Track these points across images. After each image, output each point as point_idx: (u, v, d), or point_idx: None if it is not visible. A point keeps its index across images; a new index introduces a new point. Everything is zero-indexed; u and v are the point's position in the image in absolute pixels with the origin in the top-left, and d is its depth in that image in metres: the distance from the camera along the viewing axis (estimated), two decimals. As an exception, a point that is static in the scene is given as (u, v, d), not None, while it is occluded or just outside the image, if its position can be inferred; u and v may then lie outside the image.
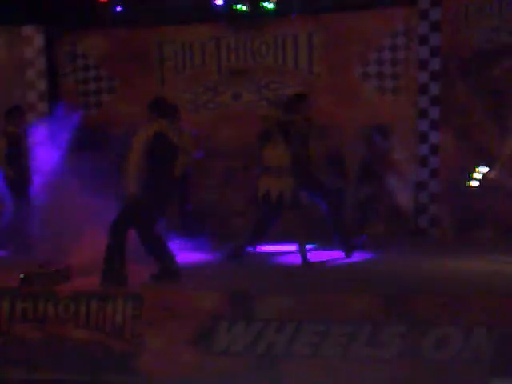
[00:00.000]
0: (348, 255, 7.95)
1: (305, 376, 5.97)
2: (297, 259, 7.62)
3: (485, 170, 8.36)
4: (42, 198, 8.15)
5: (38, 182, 8.58)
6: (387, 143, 9.68)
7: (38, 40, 10.29)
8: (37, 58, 10.28)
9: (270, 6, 10.05)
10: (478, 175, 8.41)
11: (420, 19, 9.50)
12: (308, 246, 7.71)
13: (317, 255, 7.95)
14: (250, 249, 7.96)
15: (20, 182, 8.57)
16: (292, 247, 7.89)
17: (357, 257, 7.98)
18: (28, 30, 10.30)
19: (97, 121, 10.16)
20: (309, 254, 7.60)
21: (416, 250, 8.38)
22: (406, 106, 9.60)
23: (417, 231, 9.51)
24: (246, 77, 10.10)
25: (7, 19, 9.90)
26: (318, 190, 7.94)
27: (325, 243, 8.39)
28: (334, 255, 8.06)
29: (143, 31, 10.31)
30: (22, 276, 6.52)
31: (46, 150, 8.68)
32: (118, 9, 10.19)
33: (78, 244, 7.15)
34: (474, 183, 8.40)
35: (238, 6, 10.03)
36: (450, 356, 5.73)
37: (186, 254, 7.87)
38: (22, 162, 8.66)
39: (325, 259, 7.95)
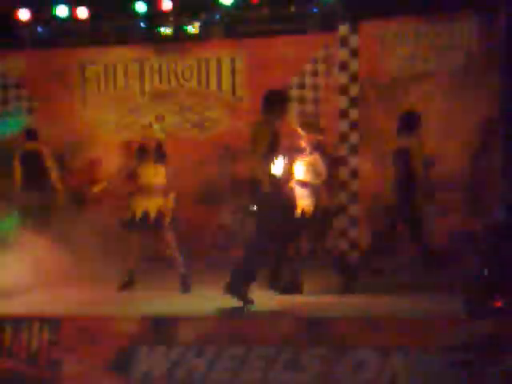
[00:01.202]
0: None
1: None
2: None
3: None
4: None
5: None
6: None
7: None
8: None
9: (193, 29, 10.15)
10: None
11: (340, 46, 9.74)
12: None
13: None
14: None
15: None
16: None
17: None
18: None
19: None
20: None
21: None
22: (327, 131, 9.77)
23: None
24: (169, 99, 10.13)
25: None
26: None
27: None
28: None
29: (65, 52, 10.24)
30: None
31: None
32: (39, 29, 10.07)
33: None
34: None
35: (162, 29, 10.07)
36: (367, 379, 5.76)
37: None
38: None
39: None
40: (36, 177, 8.85)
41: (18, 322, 6.18)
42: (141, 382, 5.99)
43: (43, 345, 6.10)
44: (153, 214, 7.38)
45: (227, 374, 5.89)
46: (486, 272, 5.68)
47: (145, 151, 7.46)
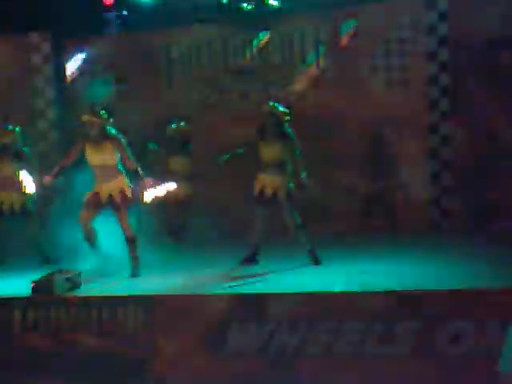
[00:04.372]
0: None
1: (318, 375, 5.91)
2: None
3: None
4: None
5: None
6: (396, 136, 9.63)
7: (45, 47, 10.35)
8: (44, 65, 10.35)
9: (275, 3, 10.03)
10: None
11: (427, 10, 9.40)
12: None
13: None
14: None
15: None
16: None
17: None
18: (35, 37, 10.37)
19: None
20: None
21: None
22: (415, 98, 9.51)
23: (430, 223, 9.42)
24: (254, 75, 10.09)
25: (14, 27, 9.95)
26: None
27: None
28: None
29: (149, 34, 10.32)
30: (33, 285, 6.53)
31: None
32: (124, 13, 10.22)
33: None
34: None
35: (244, 5, 10.00)
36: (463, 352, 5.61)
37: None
38: None
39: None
40: None
41: (114, 303, 6.31)
42: (234, 358, 6.03)
43: (139, 325, 6.22)
44: (269, 191, 7.36)
45: (319, 349, 5.86)
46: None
47: (265, 128, 7.40)
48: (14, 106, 10.00)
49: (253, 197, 7.49)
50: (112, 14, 10.34)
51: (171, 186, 7.24)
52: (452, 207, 9.34)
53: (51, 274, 6.62)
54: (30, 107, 10.25)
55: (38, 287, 6.47)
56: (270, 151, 7.35)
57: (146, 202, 7.12)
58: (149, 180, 7.03)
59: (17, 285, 7.01)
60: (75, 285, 6.72)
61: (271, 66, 10.09)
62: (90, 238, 7.18)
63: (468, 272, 6.57)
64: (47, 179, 7.26)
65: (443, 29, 9.34)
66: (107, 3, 10.09)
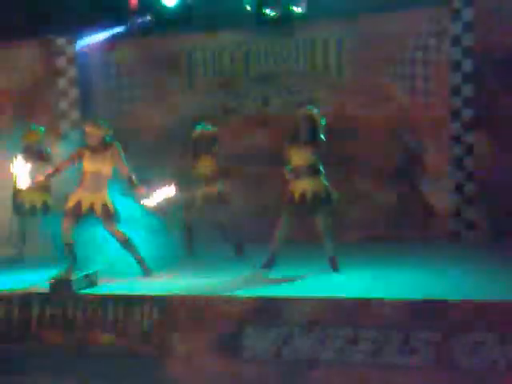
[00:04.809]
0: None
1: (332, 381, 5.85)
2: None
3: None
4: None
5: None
6: (420, 145, 9.56)
7: (70, 50, 10.52)
8: (68, 68, 10.52)
9: (299, 10, 10.01)
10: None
11: (452, 20, 9.36)
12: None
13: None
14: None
15: None
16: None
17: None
18: (61, 41, 10.55)
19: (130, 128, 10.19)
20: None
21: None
22: (438, 108, 9.45)
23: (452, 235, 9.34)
24: (276, 81, 10.08)
25: (40, 32, 10.19)
26: None
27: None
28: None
29: (172, 39, 10.41)
30: (51, 282, 6.56)
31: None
32: (148, 18, 10.28)
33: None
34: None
35: (267, 11, 10.01)
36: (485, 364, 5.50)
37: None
38: None
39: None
40: None
41: (131, 302, 6.32)
42: (247, 362, 5.98)
43: (154, 325, 6.21)
44: (308, 195, 7.19)
45: (334, 355, 5.80)
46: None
47: (297, 134, 7.31)
48: (38, 107, 10.10)
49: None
50: (136, 19, 10.40)
51: (170, 191, 7.19)
52: (475, 218, 9.26)
53: (70, 272, 6.66)
54: (54, 108, 10.36)
55: (56, 285, 6.50)
56: (303, 155, 7.18)
57: (149, 208, 7.14)
58: (143, 188, 7.08)
59: (36, 282, 7.05)
60: (92, 283, 6.76)
61: (294, 71, 10.08)
62: (69, 248, 7.15)
63: (489, 284, 6.47)
64: (39, 180, 7.31)
65: (468, 39, 9.27)
66: (132, 2, 10.15)
